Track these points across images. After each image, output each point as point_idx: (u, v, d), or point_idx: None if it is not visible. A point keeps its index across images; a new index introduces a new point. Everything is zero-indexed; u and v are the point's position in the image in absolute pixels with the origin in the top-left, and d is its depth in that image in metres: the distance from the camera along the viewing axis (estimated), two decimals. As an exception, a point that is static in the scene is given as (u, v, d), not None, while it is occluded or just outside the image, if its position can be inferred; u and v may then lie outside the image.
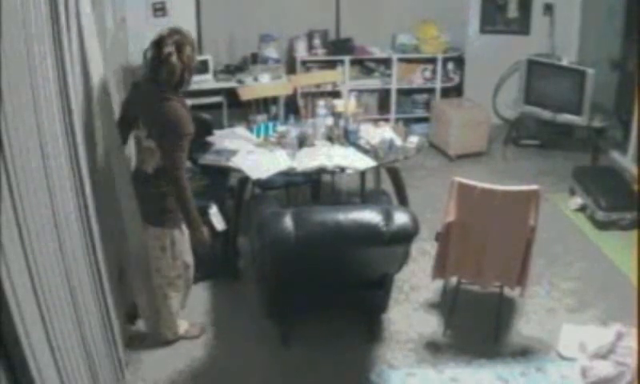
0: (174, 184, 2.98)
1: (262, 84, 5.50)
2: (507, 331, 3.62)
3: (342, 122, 4.33)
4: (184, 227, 3.17)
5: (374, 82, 6.32)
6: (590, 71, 5.49)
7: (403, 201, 4.40)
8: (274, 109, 5.54)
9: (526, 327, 3.66)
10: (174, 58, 2.91)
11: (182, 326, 3.47)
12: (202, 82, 5.57)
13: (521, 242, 3.34)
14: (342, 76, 5.99)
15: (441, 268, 3.53)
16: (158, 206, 3.10)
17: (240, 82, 5.60)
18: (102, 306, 2.87)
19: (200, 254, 3.35)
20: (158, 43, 2.94)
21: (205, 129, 4.26)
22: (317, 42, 6.11)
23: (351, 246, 3.07)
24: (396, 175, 4.41)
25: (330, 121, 4.40)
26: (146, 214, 3.15)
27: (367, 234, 3.00)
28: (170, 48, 2.91)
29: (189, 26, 5.61)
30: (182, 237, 3.21)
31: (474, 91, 6.33)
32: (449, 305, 3.67)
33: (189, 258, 3.32)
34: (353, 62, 6.21)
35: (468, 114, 6.01)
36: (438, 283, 3.85)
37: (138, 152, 3.20)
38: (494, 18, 6.30)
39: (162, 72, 2.94)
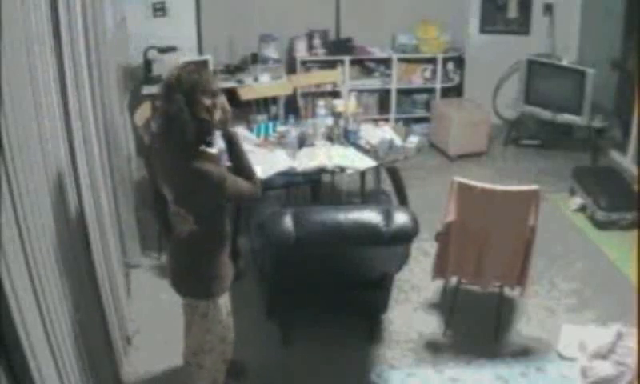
0: (254, 198, 2.65)
1: (261, 84, 5.50)
2: (507, 331, 3.62)
3: (342, 122, 4.33)
4: (220, 300, 2.68)
5: (373, 82, 6.31)
6: (590, 71, 5.50)
7: (403, 201, 4.40)
8: (274, 109, 5.54)
9: (526, 327, 3.66)
10: (185, 115, 2.35)
11: None
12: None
13: (521, 241, 3.34)
14: (342, 76, 5.99)
15: (441, 268, 3.53)
16: (190, 274, 2.64)
17: (240, 82, 5.60)
18: (102, 306, 2.87)
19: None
20: (167, 94, 2.37)
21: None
22: (317, 41, 6.11)
23: (351, 246, 3.07)
24: (396, 175, 4.41)
25: (329, 121, 4.40)
26: (178, 282, 2.70)
27: (367, 234, 3.00)
28: (178, 102, 2.34)
29: (189, 26, 5.65)
30: (216, 308, 2.67)
31: (474, 91, 6.33)
32: (449, 305, 3.67)
33: (226, 332, 2.81)
34: (353, 62, 6.20)
35: (468, 113, 6.01)
36: (438, 283, 3.85)
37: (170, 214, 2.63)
38: (494, 18, 6.29)
39: (173, 130, 2.38)
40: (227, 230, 2.67)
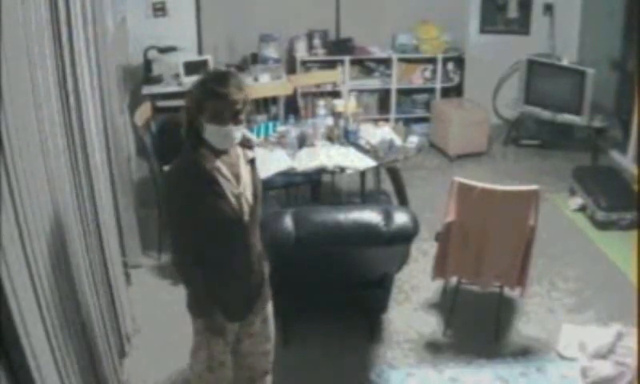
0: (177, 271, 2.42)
1: (262, 84, 5.50)
2: (507, 331, 3.62)
3: (342, 122, 4.33)
4: (200, 322, 2.46)
5: (373, 82, 6.31)
6: (590, 71, 5.50)
7: (403, 201, 4.40)
8: (274, 109, 5.54)
9: (525, 327, 3.66)
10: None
11: None
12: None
13: (521, 241, 3.34)
14: (342, 76, 5.99)
15: (441, 268, 3.53)
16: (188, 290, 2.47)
17: (240, 82, 5.59)
18: (102, 306, 2.87)
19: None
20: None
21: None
22: (317, 42, 6.11)
23: (351, 246, 3.07)
24: (396, 175, 4.41)
25: (330, 121, 4.40)
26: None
27: (367, 234, 3.00)
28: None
29: (188, 26, 5.65)
30: (196, 326, 2.49)
31: (474, 91, 6.33)
32: (449, 305, 3.67)
33: (212, 362, 2.51)
34: (353, 62, 6.20)
35: (468, 114, 6.01)
36: (438, 283, 3.85)
37: None
38: (494, 18, 6.29)
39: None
40: (217, 262, 2.35)
